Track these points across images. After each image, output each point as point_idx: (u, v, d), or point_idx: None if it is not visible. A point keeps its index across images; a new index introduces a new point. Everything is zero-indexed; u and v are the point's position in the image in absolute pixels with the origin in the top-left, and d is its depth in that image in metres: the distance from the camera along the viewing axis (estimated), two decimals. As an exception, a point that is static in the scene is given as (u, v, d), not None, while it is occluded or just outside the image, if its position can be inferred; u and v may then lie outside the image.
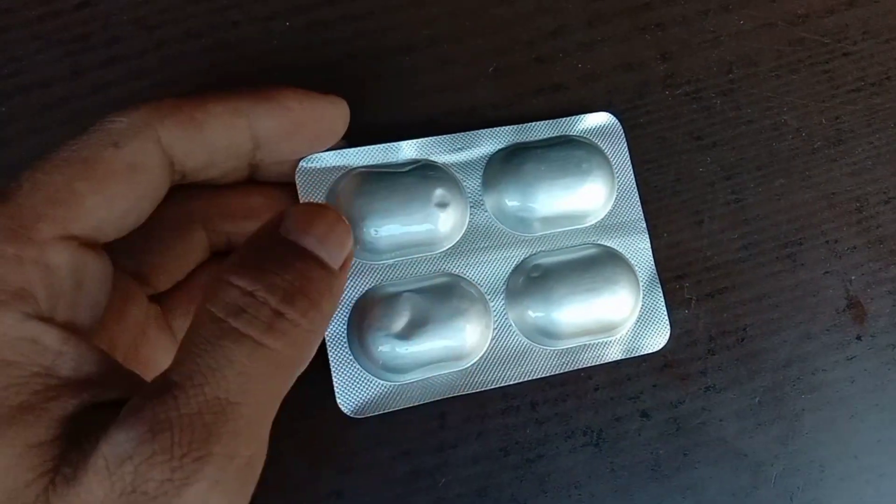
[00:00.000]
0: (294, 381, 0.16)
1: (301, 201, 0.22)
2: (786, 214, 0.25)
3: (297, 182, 0.22)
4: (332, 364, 0.22)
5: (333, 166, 0.22)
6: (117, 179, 0.16)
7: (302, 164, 0.22)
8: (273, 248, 0.16)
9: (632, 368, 0.24)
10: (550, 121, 0.24)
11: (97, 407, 0.15)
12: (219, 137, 0.18)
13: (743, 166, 0.25)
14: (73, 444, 0.14)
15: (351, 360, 0.22)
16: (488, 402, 0.23)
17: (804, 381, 0.24)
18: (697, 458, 0.24)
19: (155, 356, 0.20)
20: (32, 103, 0.24)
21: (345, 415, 0.22)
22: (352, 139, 0.23)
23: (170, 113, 0.17)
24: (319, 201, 0.22)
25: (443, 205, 0.22)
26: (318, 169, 0.22)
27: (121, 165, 0.16)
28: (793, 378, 0.24)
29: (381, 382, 0.22)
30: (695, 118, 0.25)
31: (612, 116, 0.24)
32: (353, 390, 0.22)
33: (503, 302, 0.23)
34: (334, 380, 0.22)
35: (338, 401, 0.22)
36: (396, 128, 0.24)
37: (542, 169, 0.23)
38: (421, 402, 0.22)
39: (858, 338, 0.25)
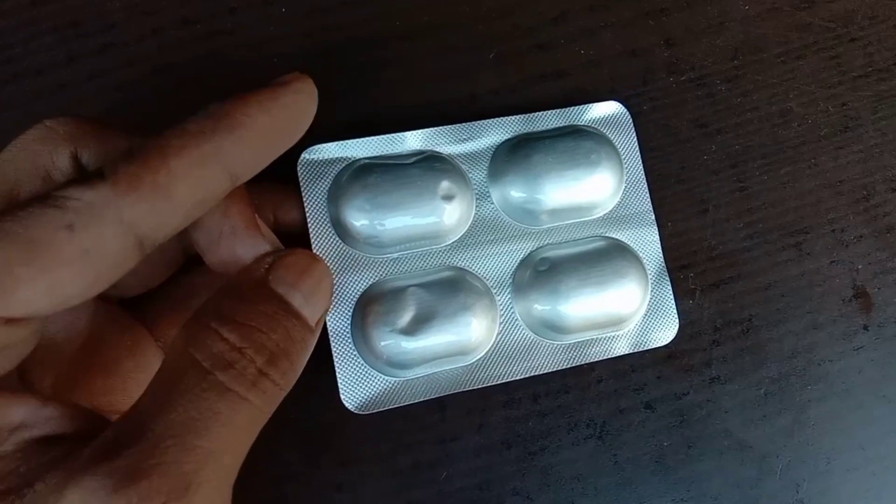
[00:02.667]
0: None
1: (303, 193, 0.21)
2: (792, 203, 0.25)
3: (298, 174, 0.22)
4: (335, 360, 0.21)
5: (336, 157, 0.22)
6: (66, 266, 0.14)
7: (304, 155, 0.22)
8: (261, 301, 0.17)
9: (635, 360, 0.24)
10: (558, 110, 0.24)
11: (43, 442, 0.14)
12: (189, 195, 0.16)
13: (748, 154, 0.25)
14: (25, 484, 0.13)
15: (355, 355, 0.21)
16: (490, 395, 0.23)
17: (810, 372, 0.24)
18: (702, 451, 0.23)
19: (117, 355, 0.19)
20: (26, 90, 0.23)
21: (344, 407, 0.21)
22: (353, 127, 0.23)
23: (130, 186, 0.15)
24: (316, 194, 0.21)
25: (449, 197, 0.22)
26: (321, 160, 0.22)
27: (73, 251, 0.14)
28: (799, 369, 0.24)
29: (386, 378, 0.22)
30: (699, 105, 0.25)
31: (621, 105, 0.24)
32: (357, 386, 0.21)
33: (509, 296, 0.23)
34: (338, 376, 0.21)
35: (342, 397, 0.21)
36: (397, 115, 0.24)
37: (550, 160, 0.23)
38: (427, 398, 0.22)
39: (865, 328, 0.24)
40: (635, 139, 0.24)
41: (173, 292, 0.20)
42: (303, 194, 0.22)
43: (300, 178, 0.22)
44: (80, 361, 0.18)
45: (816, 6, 0.26)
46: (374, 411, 0.21)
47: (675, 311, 0.23)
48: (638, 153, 0.24)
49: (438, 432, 0.23)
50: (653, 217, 0.24)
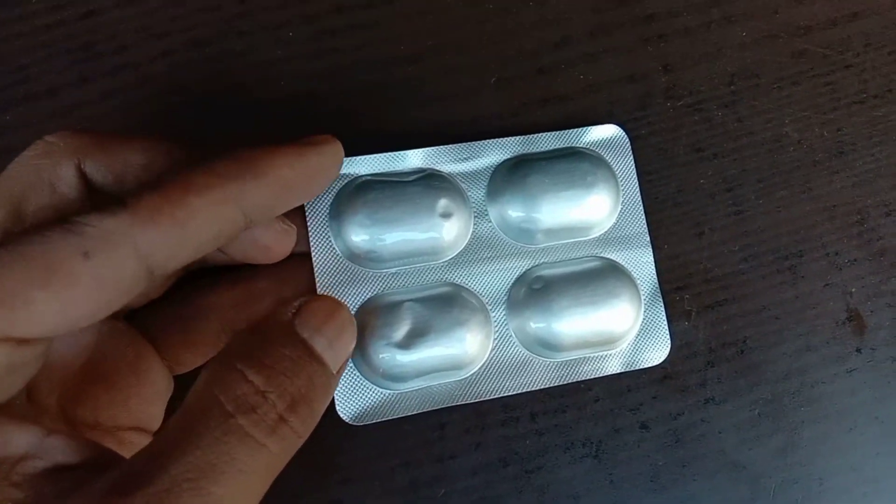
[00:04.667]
0: None
1: (305, 208, 0.22)
2: (786, 226, 0.25)
3: None
4: None
5: (339, 174, 0.22)
6: (80, 291, 0.15)
7: None
8: (286, 345, 0.17)
9: (632, 380, 0.24)
10: (557, 132, 0.24)
11: (51, 473, 0.15)
12: (205, 231, 0.16)
13: (744, 178, 0.25)
14: None
15: (351, 367, 0.22)
16: (488, 413, 0.24)
17: (804, 394, 0.24)
18: (696, 471, 0.24)
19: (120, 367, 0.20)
20: (40, 111, 0.24)
21: (345, 424, 0.22)
22: (357, 146, 0.23)
23: (149, 218, 0.15)
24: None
25: (447, 215, 0.22)
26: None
27: (87, 277, 0.15)
28: (792, 390, 0.24)
29: (381, 390, 0.22)
30: (696, 130, 0.25)
31: (619, 128, 0.25)
32: (352, 398, 0.22)
33: (504, 313, 0.23)
34: (338, 408, 0.22)
35: (337, 408, 0.22)
36: (400, 136, 0.24)
37: (547, 181, 0.23)
38: (420, 411, 0.22)
39: (858, 350, 0.25)
40: (632, 162, 0.25)
41: (180, 311, 0.21)
42: (305, 209, 0.22)
43: None
44: (85, 376, 0.19)
45: (812, 33, 0.26)
46: (369, 422, 0.22)
47: (667, 332, 0.24)
48: (635, 176, 0.24)
49: (437, 450, 0.23)
50: (648, 239, 0.24)
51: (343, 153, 0.20)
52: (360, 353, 0.22)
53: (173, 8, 0.25)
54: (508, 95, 0.25)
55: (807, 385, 0.24)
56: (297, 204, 0.19)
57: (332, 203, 0.22)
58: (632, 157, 0.25)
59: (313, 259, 0.22)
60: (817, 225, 0.25)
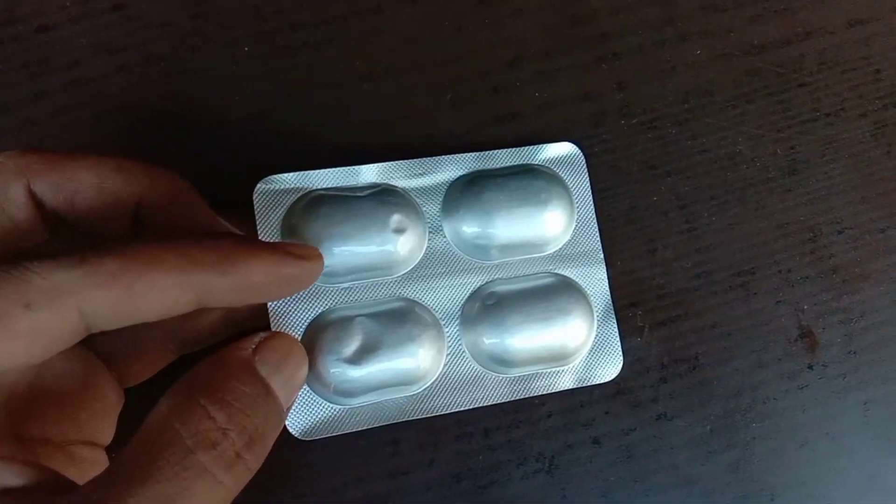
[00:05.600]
0: None
1: (257, 223, 0.22)
2: (739, 243, 0.25)
3: (254, 202, 0.22)
4: None
5: (292, 188, 0.23)
6: (15, 341, 0.15)
7: (260, 185, 0.22)
8: (246, 382, 0.17)
9: (584, 395, 0.24)
10: (512, 149, 0.24)
11: (1, 494, 0.15)
12: (155, 308, 0.16)
13: (697, 195, 0.25)
14: None
15: (307, 397, 0.22)
16: (442, 429, 0.24)
17: (755, 410, 0.25)
18: (648, 486, 0.24)
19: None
20: (-8, 126, 0.24)
21: (297, 440, 0.22)
22: (311, 163, 0.23)
23: (103, 283, 0.15)
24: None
25: (400, 230, 0.22)
26: (276, 190, 0.22)
27: (25, 327, 0.15)
28: (744, 406, 0.24)
29: (332, 405, 0.22)
30: (650, 147, 0.26)
31: (575, 146, 0.25)
32: (302, 412, 0.22)
33: (458, 328, 0.23)
34: (288, 425, 0.22)
35: (286, 423, 0.22)
36: (355, 153, 0.24)
37: (502, 198, 0.23)
38: (371, 426, 0.22)
39: (810, 367, 0.25)
40: (587, 179, 0.25)
41: (126, 329, 0.21)
42: (257, 223, 0.22)
43: (255, 207, 0.22)
44: (32, 392, 0.19)
45: (766, 52, 0.27)
46: (319, 437, 0.22)
47: (619, 348, 0.24)
48: (590, 193, 0.25)
49: (391, 466, 0.23)
50: (601, 256, 0.24)
51: (322, 268, 0.20)
52: (311, 368, 0.22)
53: (127, 23, 0.25)
54: (463, 114, 0.25)
55: (758, 401, 0.25)
56: (261, 302, 0.19)
57: (283, 217, 0.22)
58: (587, 175, 0.25)
59: None
60: (770, 242, 0.25)
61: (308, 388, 0.22)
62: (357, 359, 0.22)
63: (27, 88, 0.24)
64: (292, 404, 0.19)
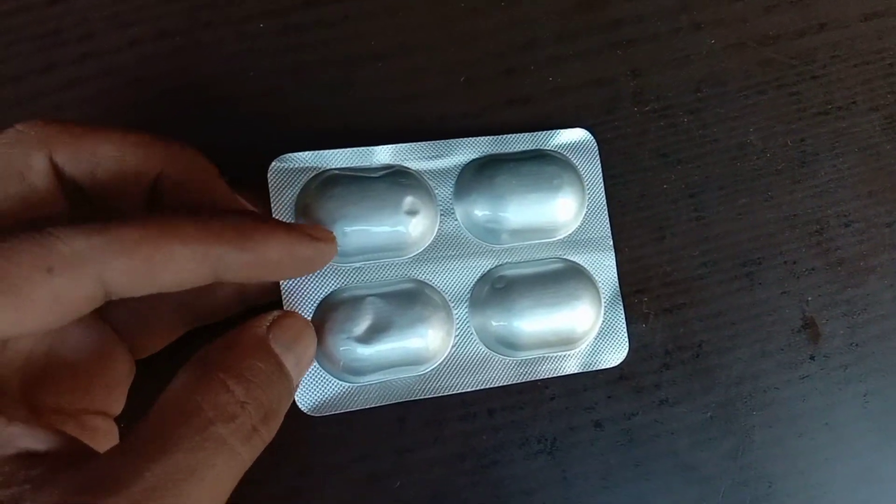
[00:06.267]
0: None
1: (271, 201, 0.22)
2: (746, 234, 0.25)
3: (269, 181, 0.22)
4: None
5: (306, 167, 0.23)
6: (36, 305, 0.15)
7: (275, 163, 0.22)
8: (262, 359, 0.18)
9: (588, 380, 0.24)
10: (526, 133, 0.24)
11: (21, 458, 0.15)
12: (172, 278, 0.17)
13: (707, 184, 0.26)
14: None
15: (316, 374, 0.22)
16: (447, 409, 0.24)
17: (756, 399, 0.25)
18: (648, 470, 0.24)
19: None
20: (4, 98, 0.24)
21: (305, 416, 0.22)
22: (323, 142, 0.23)
23: (124, 251, 0.16)
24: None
25: (412, 212, 0.23)
26: (291, 169, 0.22)
27: (46, 293, 0.15)
28: (745, 395, 0.25)
29: (341, 383, 0.22)
30: (662, 135, 0.26)
31: (588, 133, 0.25)
32: (312, 389, 0.22)
33: (466, 310, 0.23)
34: (298, 401, 0.22)
35: (296, 398, 0.22)
36: (367, 133, 0.24)
37: (514, 182, 0.23)
38: (379, 405, 0.23)
39: (812, 357, 0.25)
40: (599, 166, 0.25)
41: (140, 301, 0.21)
42: (271, 201, 0.22)
43: (270, 186, 0.22)
44: (47, 361, 0.19)
45: (780, 43, 0.27)
46: (328, 413, 0.22)
47: (625, 335, 0.24)
48: (601, 180, 0.25)
49: (396, 443, 0.24)
50: (611, 243, 0.24)
51: (336, 251, 0.20)
52: (321, 347, 0.22)
53: (141, -3, 0.24)
54: (475, 96, 0.25)
55: (759, 390, 0.25)
56: (273, 280, 0.20)
57: (297, 196, 0.22)
58: (599, 162, 0.25)
59: None
60: (777, 233, 0.26)
61: (318, 366, 0.22)
62: (367, 338, 0.22)
63: (38, 60, 0.24)
64: (299, 383, 0.20)
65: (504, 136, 0.24)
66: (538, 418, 0.24)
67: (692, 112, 0.26)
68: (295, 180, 0.22)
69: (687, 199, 0.25)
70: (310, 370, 0.22)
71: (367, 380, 0.22)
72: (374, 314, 0.22)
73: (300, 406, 0.22)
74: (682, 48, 0.26)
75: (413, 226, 0.23)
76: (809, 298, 0.25)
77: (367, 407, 0.22)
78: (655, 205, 0.25)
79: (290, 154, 0.22)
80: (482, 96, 0.25)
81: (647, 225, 0.25)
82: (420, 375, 0.23)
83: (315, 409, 0.22)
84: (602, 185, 0.25)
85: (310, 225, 0.20)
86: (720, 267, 0.25)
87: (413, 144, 0.24)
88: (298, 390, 0.22)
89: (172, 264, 0.16)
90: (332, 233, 0.20)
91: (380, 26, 0.25)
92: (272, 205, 0.22)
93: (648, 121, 0.26)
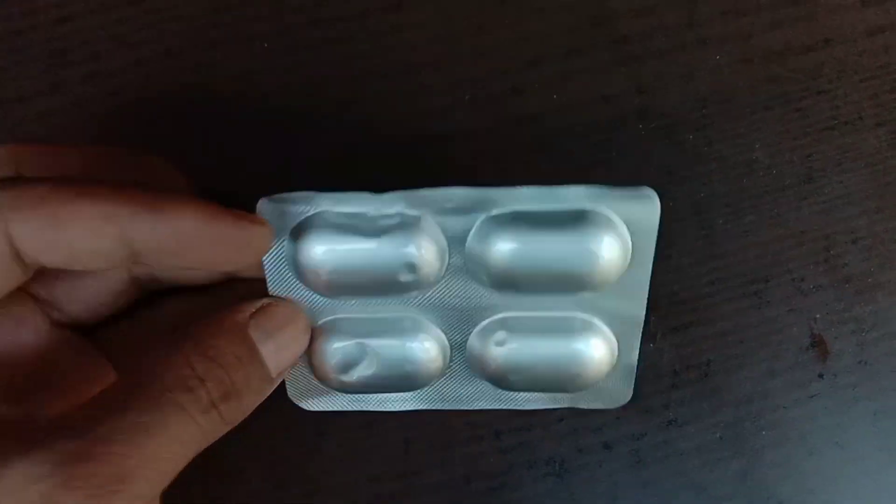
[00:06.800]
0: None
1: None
2: (753, 251, 0.25)
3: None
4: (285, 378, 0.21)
5: (298, 209, 0.20)
6: None
7: (261, 205, 0.19)
8: (234, 342, 0.18)
9: (596, 400, 0.24)
10: (585, 188, 0.19)
11: None
12: (82, 241, 0.16)
13: (713, 202, 0.25)
14: None
15: (307, 374, 0.21)
16: (453, 431, 0.24)
17: (765, 418, 0.25)
18: (657, 491, 0.24)
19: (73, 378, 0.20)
20: (10, 118, 0.24)
21: (308, 438, 0.22)
22: (327, 157, 0.23)
23: (29, 205, 0.16)
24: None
25: (410, 272, 0.20)
26: (280, 210, 0.19)
27: None
28: (754, 414, 0.25)
29: (336, 392, 0.22)
30: (667, 152, 0.26)
31: (655, 198, 0.20)
32: (308, 395, 0.22)
33: (464, 351, 0.22)
34: (288, 390, 0.22)
35: (289, 393, 0.22)
36: (370, 151, 0.24)
37: (537, 252, 0.19)
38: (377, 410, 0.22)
39: (820, 376, 0.25)
40: (654, 238, 0.20)
41: (136, 328, 0.21)
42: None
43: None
44: (32, 380, 0.19)
45: (786, 58, 0.27)
46: (322, 410, 0.22)
47: (631, 388, 0.22)
48: (651, 255, 0.20)
49: (401, 466, 0.24)
50: (642, 319, 0.21)
51: (269, 245, 0.19)
52: (312, 371, 0.21)
53: (146, 16, 0.24)
54: (481, 114, 0.25)
55: (768, 409, 0.25)
56: (199, 267, 0.20)
57: (287, 240, 0.20)
58: (656, 232, 0.20)
59: (264, 268, 0.20)
60: (784, 250, 0.25)
61: (314, 378, 0.21)
62: (354, 376, 0.21)
63: (45, 79, 0.24)
64: (285, 371, 0.20)
65: (554, 189, 0.19)
66: (546, 440, 0.24)
67: (698, 129, 0.26)
68: (284, 224, 0.20)
69: (693, 217, 0.25)
70: (304, 383, 0.22)
71: (362, 395, 0.22)
72: (363, 359, 0.21)
73: (295, 402, 0.22)
74: (687, 64, 0.26)
75: (413, 281, 0.20)
76: (818, 316, 0.25)
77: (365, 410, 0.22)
78: (661, 223, 0.25)
79: (281, 195, 0.19)
80: (488, 115, 0.25)
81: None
82: (416, 395, 0.22)
83: (308, 404, 0.22)
84: (650, 260, 0.20)
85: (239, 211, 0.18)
86: (727, 285, 0.25)
87: (429, 191, 0.19)
88: (293, 394, 0.22)
89: (79, 223, 0.16)
90: (261, 219, 0.18)
91: (385, 45, 0.25)
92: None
93: (654, 138, 0.26)
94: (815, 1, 0.27)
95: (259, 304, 0.19)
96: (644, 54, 0.26)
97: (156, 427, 0.16)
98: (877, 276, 0.26)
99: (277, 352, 0.19)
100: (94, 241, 0.16)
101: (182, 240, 0.17)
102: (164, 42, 0.25)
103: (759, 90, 0.26)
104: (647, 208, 0.20)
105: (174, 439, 0.16)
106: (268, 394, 0.19)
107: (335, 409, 0.22)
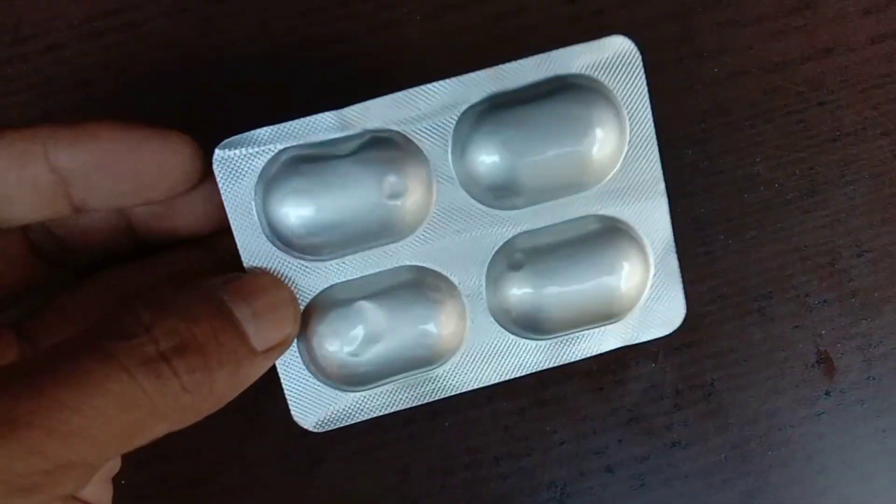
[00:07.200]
0: (152, 437, 0.15)
1: (222, 196, 0.18)
2: (756, 267, 0.25)
3: (216, 175, 0.19)
4: (282, 379, 0.19)
5: (260, 149, 0.18)
6: None
7: (218, 152, 0.18)
8: (197, 299, 0.16)
9: (597, 422, 0.24)
10: (537, 57, 0.19)
11: None
12: (7, 167, 0.16)
13: (713, 218, 0.25)
14: None
15: (305, 374, 0.19)
16: (452, 456, 0.23)
17: (771, 437, 0.24)
18: (662, 515, 0.24)
19: None
20: (0, 147, 0.24)
21: (306, 465, 0.22)
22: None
23: None
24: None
25: (396, 195, 0.18)
26: (241, 155, 0.18)
27: None
28: (760, 434, 0.24)
29: (342, 395, 0.20)
30: (666, 168, 0.25)
31: (628, 40, 0.19)
32: (310, 404, 0.20)
33: (481, 295, 0.20)
34: (287, 395, 0.19)
35: (295, 415, 0.20)
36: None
37: (527, 133, 0.18)
38: (386, 412, 0.20)
39: (827, 393, 0.25)
40: (644, 86, 0.19)
41: (57, 318, 0.19)
42: (223, 196, 0.19)
43: (218, 180, 0.19)
44: None
45: (786, 69, 0.26)
46: (333, 427, 0.20)
47: (681, 297, 0.20)
48: (647, 103, 0.19)
49: (400, 494, 0.23)
50: (662, 186, 0.20)
51: (192, 157, 0.18)
52: (312, 362, 0.19)
53: (134, 44, 0.24)
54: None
55: (774, 428, 0.24)
56: (133, 195, 0.17)
57: (254, 187, 0.19)
58: (643, 79, 0.19)
59: (239, 248, 0.19)
60: (788, 266, 0.25)
61: (313, 379, 0.20)
62: (361, 350, 0.19)
63: (36, 109, 0.24)
64: (274, 352, 0.17)
65: (508, 65, 0.19)
66: (547, 464, 0.24)
67: (696, 143, 0.25)
68: (248, 167, 0.18)
69: (693, 233, 0.25)
70: (305, 384, 0.20)
71: (371, 389, 0.20)
72: (366, 321, 0.19)
73: (302, 424, 0.20)
74: (684, 78, 0.26)
75: (400, 210, 0.18)
76: (823, 332, 0.25)
77: (377, 415, 0.20)
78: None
79: (237, 136, 0.18)
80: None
81: (654, 261, 0.25)
82: (434, 374, 0.20)
83: (318, 425, 0.20)
84: (649, 111, 0.19)
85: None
86: (730, 302, 0.25)
87: (390, 97, 0.18)
88: (295, 406, 0.20)
89: (3, 151, 0.16)
90: (182, 133, 0.18)
91: (377, 64, 0.25)
92: (225, 200, 0.18)
93: (652, 154, 0.25)
94: (815, 10, 0.26)
95: (235, 275, 0.17)
96: (640, 68, 0.26)
97: (77, 380, 0.13)
98: (883, 289, 0.25)
99: (255, 318, 0.16)
100: (18, 165, 0.16)
101: (103, 155, 0.16)
102: (155, 67, 0.24)
103: (759, 102, 0.26)
104: (625, 58, 0.19)
105: (102, 397, 0.13)
106: (257, 373, 0.17)
107: (345, 421, 0.20)
